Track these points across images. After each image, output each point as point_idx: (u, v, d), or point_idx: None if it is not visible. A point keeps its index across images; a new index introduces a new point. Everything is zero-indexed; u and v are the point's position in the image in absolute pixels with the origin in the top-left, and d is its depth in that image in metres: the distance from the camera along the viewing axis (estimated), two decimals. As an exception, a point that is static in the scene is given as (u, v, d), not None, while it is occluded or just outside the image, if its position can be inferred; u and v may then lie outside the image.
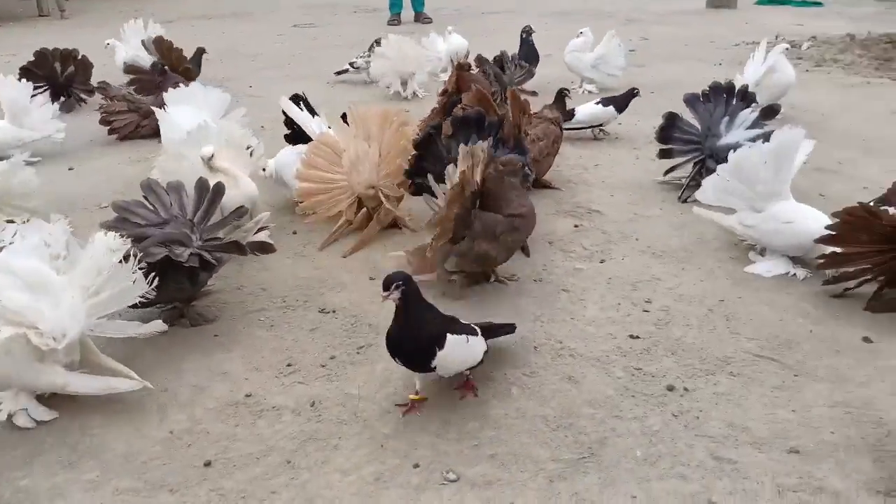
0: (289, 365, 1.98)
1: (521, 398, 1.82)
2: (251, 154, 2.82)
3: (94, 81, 4.84)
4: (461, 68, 3.69)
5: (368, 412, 1.78)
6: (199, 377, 1.94)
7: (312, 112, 3.09)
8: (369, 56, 5.42)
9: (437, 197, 2.40)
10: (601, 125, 3.97)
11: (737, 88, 3.15)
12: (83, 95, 5.03)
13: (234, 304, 2.32)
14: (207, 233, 2.17)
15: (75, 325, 1.72)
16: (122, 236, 1.82)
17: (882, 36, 6.86)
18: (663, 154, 3.23)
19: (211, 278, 2.25)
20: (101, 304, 1.78)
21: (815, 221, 2.31)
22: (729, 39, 7.04)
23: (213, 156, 2.54)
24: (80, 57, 4.97)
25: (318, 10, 10.09)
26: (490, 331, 1.91)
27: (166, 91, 3.33)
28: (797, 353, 1.98)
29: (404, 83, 5.06)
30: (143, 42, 5.14)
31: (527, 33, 5.03)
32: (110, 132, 4.22)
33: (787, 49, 4.18)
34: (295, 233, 2.84)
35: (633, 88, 3.88)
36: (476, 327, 1.83)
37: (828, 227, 2.20)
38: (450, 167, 2.27)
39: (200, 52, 5.29)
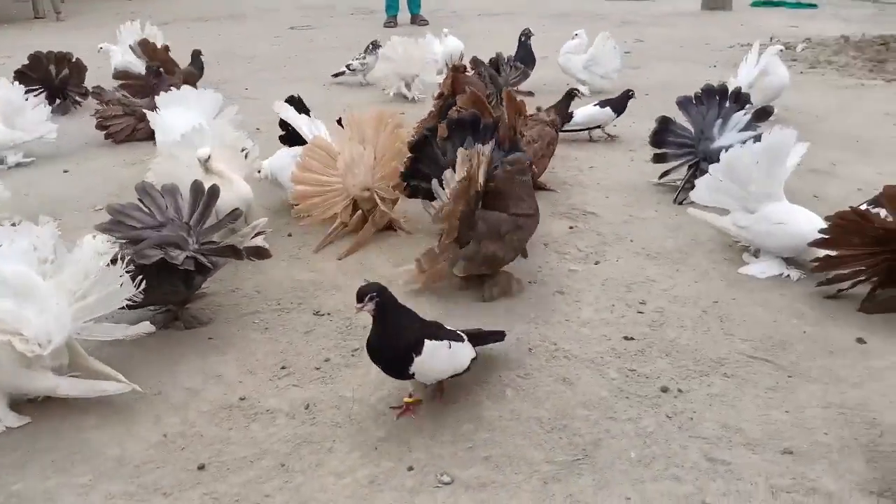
0: (283, 368, 1.98)
1: (516, 400, 1.82)
2: (246, 156, 2.82)
3: (88, 85, 4.83)
4: (456, 70, 3.69)
5: (363, 415, 1.78)
6: (193, 380, 1.93)
7: (307, 112, 3.09)
8: (365, 58, 5.43)
9: (434, 200, 2.39)
10: (599, 127, 3.98)
11: (730, 91, 3.15)
12: (78, 98, 5.02)
13: (228, 306, 2.32)
14: (203, 236, 2.17)
15: (61, 331, 1.71)
16: (117, 239, 1.81)
17: (876, 38, 6.89)
18: (657, 158, 3.23)
19: (206, 281, 2.25)
20: (87, 308, 1.77)
21: (807, 223, 2.31)
22: (724, 41, 7.05)
23: (209, 157, 2.54)
24: (74, 60, 4.96)
25: (315, 12, 10.08)
26: (478, 338, 1.88)
27: (159, 94, 3.33)
28: (791, 354, 1.99)
29: (408, 85, 5.05)
30: (129, 47, 5.13)
31: (525, 36, 5.03)
32: (106, 136, 4.21)
33: (781, 51, 4.18)
34: (290, 235, 2.84)
35: (628, 90, 3.89)
36: (462, 334, 1.80)
37: (821, 231, 2.21)
38: (447, 172, 2.27)
39: (197, 54, 5.28)
